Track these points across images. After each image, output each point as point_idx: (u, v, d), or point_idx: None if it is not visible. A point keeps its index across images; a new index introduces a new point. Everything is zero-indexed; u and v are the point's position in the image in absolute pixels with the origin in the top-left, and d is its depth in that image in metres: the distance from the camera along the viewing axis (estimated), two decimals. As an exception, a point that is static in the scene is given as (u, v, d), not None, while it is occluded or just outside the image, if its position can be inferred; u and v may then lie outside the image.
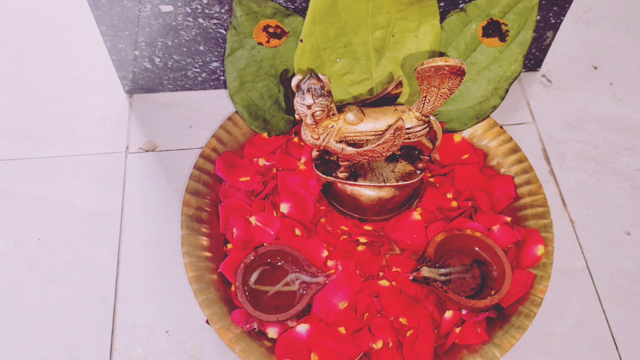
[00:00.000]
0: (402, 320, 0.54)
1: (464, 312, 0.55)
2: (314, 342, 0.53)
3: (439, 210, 0.61)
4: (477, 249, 0.58)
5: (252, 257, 0.56)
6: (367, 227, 0.60)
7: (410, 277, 0.56)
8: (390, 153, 0.54)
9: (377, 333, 0.54)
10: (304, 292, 0.55)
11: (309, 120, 0.50)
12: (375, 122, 0.53)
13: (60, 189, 0.66)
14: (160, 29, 0.64)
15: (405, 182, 0.57)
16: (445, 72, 0.48)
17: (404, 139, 0.53)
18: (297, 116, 0.51)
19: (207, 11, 0.62)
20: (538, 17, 0.62)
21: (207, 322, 0.55)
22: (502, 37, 0.61)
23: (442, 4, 0.61)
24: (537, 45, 0.71)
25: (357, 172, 0.58)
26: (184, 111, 0.71)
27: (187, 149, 0.68)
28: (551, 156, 0.69)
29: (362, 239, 0.59)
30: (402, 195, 0.59)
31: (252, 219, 0.58)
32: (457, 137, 0.65)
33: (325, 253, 0.57)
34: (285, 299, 0.56)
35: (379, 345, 0.54)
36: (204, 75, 0.70)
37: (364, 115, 0.53)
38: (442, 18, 0.60)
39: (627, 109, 0.73)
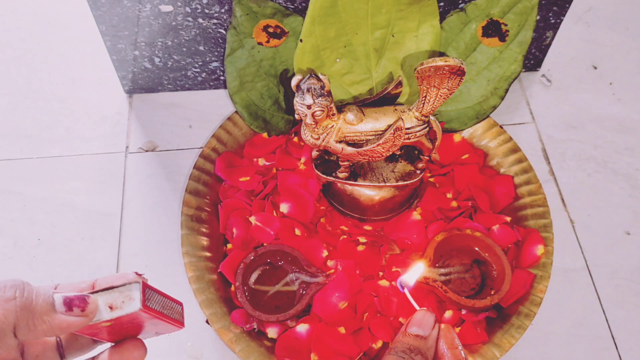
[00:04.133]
0: (402, 320, 0.54)
1: (463, 312, 0.55)
2: (313, 342, 0.53)
3: (438, 210, 0.61)
4: (477, 248, 0.58)
5: (252, 257, 0.56)
6: (367, 227, 0.60)
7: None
8: (390, 153, 0.54)
9: (377, 333, 0.54)
10: (304, 292, 0.55)
11: (308, 120, 0.50)
12: (375, 122, 0.53)
13: (60, 189, 0.66)
14: (160, 29, 0.64)
15: (405, 182, 0.57)
16: (445, 72, 0.48)
17: (404, 139, 0.53)
18: (297, 116, 0.51)
19: (207, 11, 0.62)
20: (538, 17, 0.62)
21: (207, 322, 0.55)
22: (502, 37, 0.61)
23: (442, 4, 0.61)
24: (537, 45, 0.71)
25: (357, 172, 0.58)
26: (184, 111, 0.71)
27: (187, 149, 0.68)
28: (551, 156, 0.69)
29: (362, 239, 0.59)
30: (402, 195, 0.59)
31: (252, 219, 0.58)
32: (457, 137, 0.65)
33: (325, 253, 0.57)
34: (285, 299, 0.56)
35: (379, 345, 0.54)
36: (203, 75, 0.70)
37: (364, 115, 0.53)
38: (442, 18, 0.60)
39: (627, 109, 0.73)
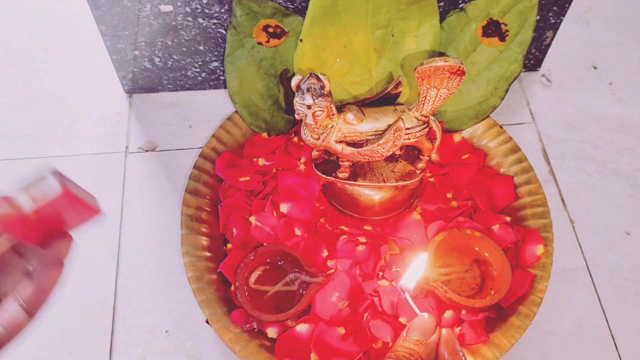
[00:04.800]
0: (402, 320, 0.54)
1: (463, 312, 0.55)
2: (314, 342, 0.53)
3: (438, 210, 0.61)
4: (477, 248, 0.58)
5: (252, 257, 0.56)
6: (367, 227, 0.60)
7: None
8: (390, 153, 0.54)
9: (377, 333, 0.54)
10: (304, 292, 0.55)
11: (308, 120, 0.50)
12: (375, 122, 0.53)
13: (60, 188, 0.66)
14: (160, 29, 0.64)
15: (405, 182, 0.57)
16: (444, 72, 0.48)
17: (404, 139, 0.53)
18: (297, 116, 0.51)
19: (206, 11, 0.62)
20: (538, 17, 0.62)
21: (206, 322, 0.55)
22: (502, 37, 0.61)
23: (442, 4, 0.61)
24: (537, 45, 0.71)
25: (357, 172, 0.58)
26: (184, 111, 0.71)
27: (187, 149, 0.68)
28: (551, 156, 0.69)
29: (362, 239, 0.59)
30: (402, 195, 0.59)
31: (252, 219, 0.58)
32: (456, 137, 0.65)
33: (325, 253, 0.57)
34: (285, 299, 0.56)
35: (379, 345, 0.54)
36: (203, 75, 0.70)
37: (364, 115, 0.53)
38: (442, 18, 0.60)
39: (627, 109, 0.73)
